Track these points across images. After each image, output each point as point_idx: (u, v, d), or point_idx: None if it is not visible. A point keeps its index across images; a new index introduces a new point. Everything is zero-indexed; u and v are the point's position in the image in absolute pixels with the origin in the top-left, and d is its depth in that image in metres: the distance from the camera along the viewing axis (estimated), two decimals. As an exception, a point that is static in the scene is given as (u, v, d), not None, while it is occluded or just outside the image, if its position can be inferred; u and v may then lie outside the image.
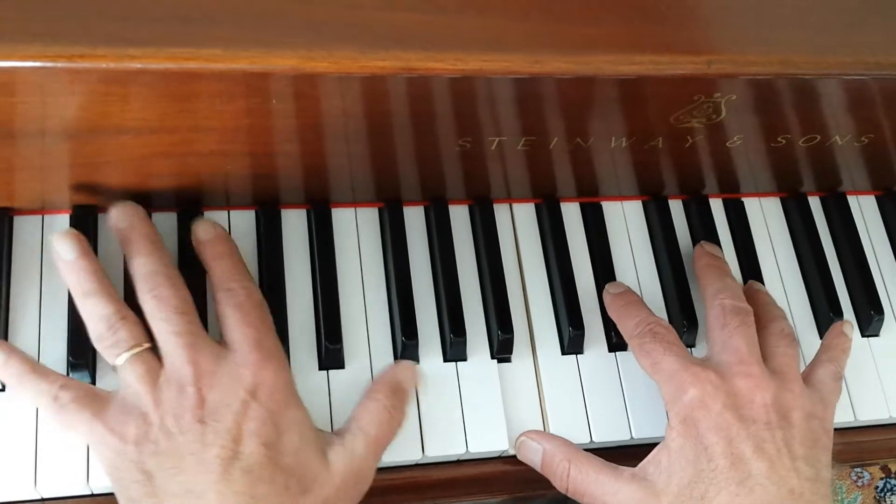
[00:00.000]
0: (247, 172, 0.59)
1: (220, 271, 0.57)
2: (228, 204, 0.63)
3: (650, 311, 0.63)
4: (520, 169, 0.63)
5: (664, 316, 0.66)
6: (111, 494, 0.55)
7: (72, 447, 0.55)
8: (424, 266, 0.64)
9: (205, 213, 0.62)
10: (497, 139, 0.58)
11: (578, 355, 0.64)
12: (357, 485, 0.55)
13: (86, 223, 0.58)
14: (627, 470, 0.58)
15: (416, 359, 0.61)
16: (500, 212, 0.67)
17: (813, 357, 0.65)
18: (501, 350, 0.62)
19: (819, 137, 0.63)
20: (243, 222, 0.63)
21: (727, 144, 0.63)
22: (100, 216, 0.59)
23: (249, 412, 0.51)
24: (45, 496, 0.54)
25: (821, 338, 0.68)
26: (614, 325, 0.64)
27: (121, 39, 0.46)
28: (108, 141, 0.52)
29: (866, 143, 0.65)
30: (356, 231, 0.64)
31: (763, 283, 0.69)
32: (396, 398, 0.58)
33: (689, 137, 0.61)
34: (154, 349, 0.53)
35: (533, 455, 0.60)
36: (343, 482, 0.54)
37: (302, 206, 0.64)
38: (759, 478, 0.54)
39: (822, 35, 0.55)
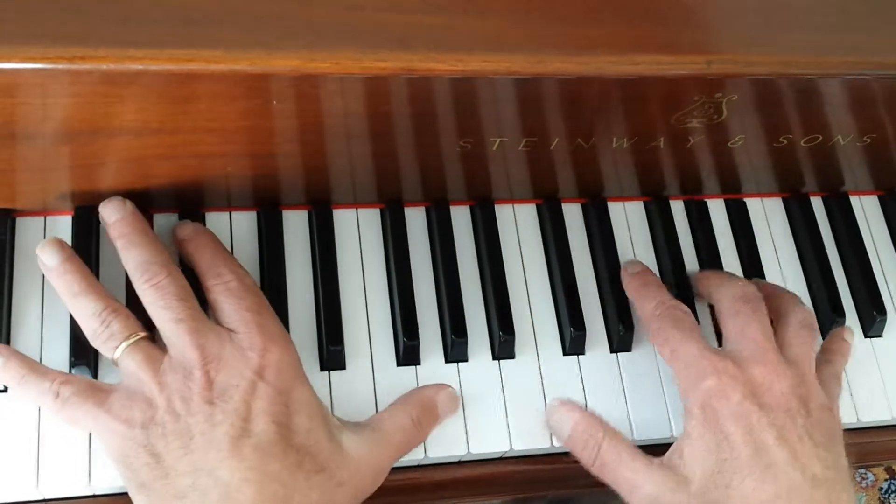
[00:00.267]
0: (248, 173, 0.59)
1: (205, 261, 0.57)
2: (229, 205, 0.63)
3: (668, 292, 0.62)
4: (521, 169, 0.63)
5: (666, 317, 0.66)
6: (113, 495, 0.55)
7: (74, 447, 0.55)
8: (426, 267, 0.64)
9: (206, 214, 0.62)
10: (498, 140, 0.58)
11: (580, 356, 0.64)
12: (373, 479, 0.55)
13: (88, 224, 0.59)
14: (656, 459, 0.57)
15: (417, 360, 0.61)
16: (502, 212, 0.67)
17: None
18: (502, 351, 0.62)
19: (821, 137, 0.63)
20: (244, 223, 0.63)
21: (729, 145, 0.63)
22: (102, 217, 0.59)
23: (258, 392, 0.52)
24: (47, 496, 0.54)
25: (823, 338, 0.68)
26: (616, 325, 0.64)
27: (121, 41, 0.46)
28: (108, 142, 0.52)
29: (868, 143, 0.65)
30: (357, 232, 0.64)
31: (765, 284, 0.69)
32: (427, 416, 0.58)
33: (690, 138, 0.61)
34: (151, 338, 0.54)
35: (563, 421, 0.59)
36: (358, 471, 0.53)
37: (303, 207, 0.64)
38: (782, 465, 0.54)
39: (824, 36, 0.55)
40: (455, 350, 0.61)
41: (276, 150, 0.56)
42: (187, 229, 0.59)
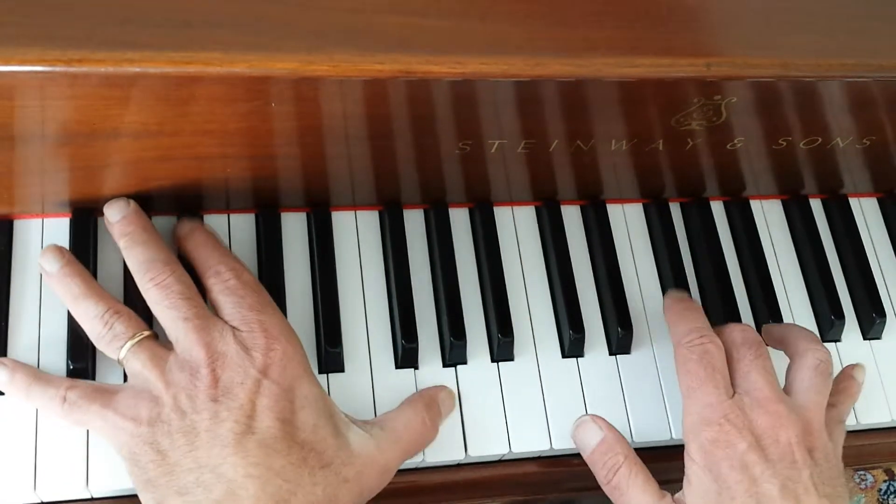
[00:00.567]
0: (247, 176, 0.59)
1: (203, 259, 0.57)
2: (228, 207, 0.63)
3: (707, 322, 0.60)
4: (520, 172, 0.63)
5: (664, 319, 0.66)
6: (111, 498, 0.55)
7: (71, 451, 0.54)
8: (424, 269, 0.64)
9: (204, 216, 0.62)
10: (497, 142, 0.58)
11: (579, 359, 0.64)
12: (379, 477, 0.55)
13: (86, 227, 0.59)
14: (669, 496, 0.57)
15: (415, 362, 0.61)
16: (501, 215, 0.67)
17: None
18: (502, 354, 0.62)
19: (820, 140, 0.63)
20: (243, 226, 0.63)
21: (728, 147, 0.63)
22: (100, 220, 0.59)
23: (262, 389, 0.52)
24: (44, 500, 0.54)
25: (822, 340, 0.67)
26: (615, 327, 0.64)
27: (120, 43, 0.46)
28: (107, 144, 0.52)
29: (868, 146, 0.65)
30: (356, 234, 0.64)
31: (762, 284, 0.69)
32: (433, 414, 0.58)
33: (689, 140, 0.61)
34: (154, 336, 0.54)
35: (591, 437, 0.59)
36: (364, 468, 0.53)
37: (302, 210, 0.64)
38: None
39: (823, 38, 0.55)
40: (454, 352, 0.61)
41: (274, 153, 0.56)
42: (185, 227, 0.59)
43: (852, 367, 0.66)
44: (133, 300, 0.56)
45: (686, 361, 0.58)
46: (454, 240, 0.65)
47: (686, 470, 0.57)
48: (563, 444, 0.61)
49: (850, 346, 0.69)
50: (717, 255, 0.69)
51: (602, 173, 0.65)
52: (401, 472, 0.59)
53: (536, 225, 0.68)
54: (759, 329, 0.65)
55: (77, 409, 0.52)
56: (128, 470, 0.52)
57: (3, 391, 0.55)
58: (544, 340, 0.64)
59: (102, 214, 0.58)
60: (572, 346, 0.63)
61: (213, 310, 0.55)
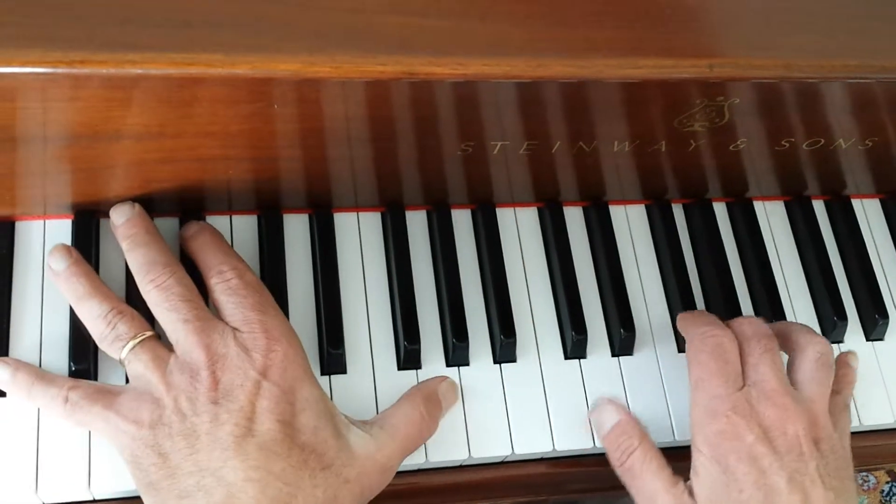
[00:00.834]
0: (248, 177, 0.58)
1: (206, 259, 0.57)
2: (230, 209, 0.62)
3: (724, 325, 0.60)
4: (522, 173, 0.63)
5: (666, 320, 0.66)
6: (113, 500, 0.55)
7: (73, 452, 0.54)
8: (427, 271, 0.64)
9: (207, 217, 0.62)
10: (499, 143, 0.58)
11: (581, 360, 0.64)
12: (380, 476, 0.55)
13: (88, 228, 0.59)
14: (682, 482, 0.57)
15: (418, 364, 0.61)
16: (503, 216, 0.67)
17: None
18: (504, 355, 0.62)
19: (823, 141, 0.63)
20: (245, 227, 0.63)
21: (731, 148, 0.62)
22: (102, 221, 0.59)
23: (262, 391, 0.52)
24: (46, 502, 0.54)
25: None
26: (617, 328, 0.64)
27: (121, 44, 0.46)
28: (109, 146, 0.52)
29: (870, 147, 0.65)
30: (358, 235, 0.64)
31: (765, 286, 0.68)
32: (432, 407, 0.58)
33: (692, 141, 0.61)
34: (157, 336, 0.54)
35: (607, 419, 0.60)
36: (364, 468, 0.53)
37: (304, 211, 0.64)
38: None
39: (826, 39, 0.55)
40: (456, 354, 0.61)
41: (276, 154, 0.56)
42: (192, 228, 0.59)
43: (846, 354, 0.66)
44: (135, 302, 0.56)
45: (698, 353, 0.58)
46: (456, 241, 0.65)
47: (693, 461, 0.57)
48: (565, 445, 0.61)
49: (853, 347, 0.68)
50: (720, 257, 0.69)
51: (604, 174, 0.65)
52: (403, 473, 0.59)
53: (539, 226, 0.67)
54: None
55: (79, 409, 0.52)
56: (130, 472, 0.52)
57: (4, 391, 0.55)
58: (547, 342, 0.64)
59: (104, 216, 0.58)
60: (575, 347, 0.63)
61: (215, 311, 0.55)
